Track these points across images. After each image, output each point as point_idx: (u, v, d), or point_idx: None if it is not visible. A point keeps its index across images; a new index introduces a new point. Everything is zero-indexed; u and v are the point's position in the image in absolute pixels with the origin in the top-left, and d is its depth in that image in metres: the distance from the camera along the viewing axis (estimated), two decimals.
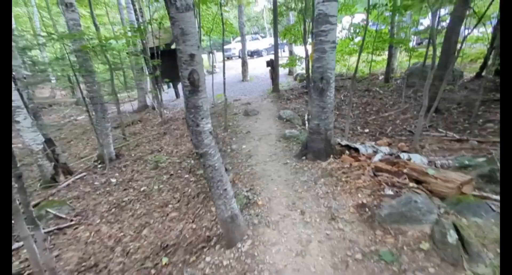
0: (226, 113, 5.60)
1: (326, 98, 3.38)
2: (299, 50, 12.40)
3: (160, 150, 5.10)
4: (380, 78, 9.07)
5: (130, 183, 3.89)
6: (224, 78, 5.72)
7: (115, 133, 6.48)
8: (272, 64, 8.87)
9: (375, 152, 3.71)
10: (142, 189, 3.70)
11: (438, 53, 5.18)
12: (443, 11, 7.56)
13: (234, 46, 19.64)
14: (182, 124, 6.70)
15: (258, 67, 14.44)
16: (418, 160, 3.22)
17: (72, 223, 3.10)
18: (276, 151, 4.06)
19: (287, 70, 12.51)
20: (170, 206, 3.21)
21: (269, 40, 19.67)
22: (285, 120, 5.55)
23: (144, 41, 7.33)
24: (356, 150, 3.54)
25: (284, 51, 17.81)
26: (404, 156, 3.38)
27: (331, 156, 3.51)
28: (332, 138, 3.65)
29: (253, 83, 11.13)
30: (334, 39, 3.12)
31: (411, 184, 2.60)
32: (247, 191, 3.00)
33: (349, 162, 3.28)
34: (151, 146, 5.45)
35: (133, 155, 5.12)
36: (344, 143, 3.70)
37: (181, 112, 7.98)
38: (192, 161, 4.27)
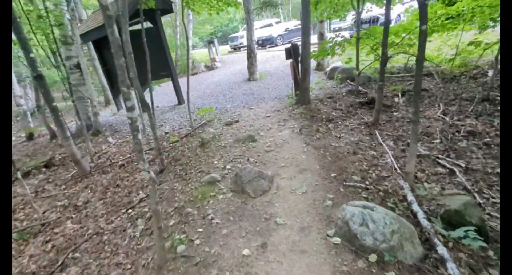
0: (158, 233, 1.92)
1: None
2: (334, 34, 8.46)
3: None
4: (490, 73, 5.09)
5: None
6: None
7: None
8: (297, 55, 5.11)
9: None
10: None
11: None
12: None
13: (242, 34, 15.63)
14: (106, 189, 3.15)
15: (272, 59, 10.66)
16: None
17: None
18: None
19: (313, 63, 8.63)
20: None
21: (286, 25, 15.72)
22: (368, 261, 1.46)
23: None
24: None
25: None
26: None
27: None
28: None
29: (264, 83, 7.40)
30: None
31: None
32: None
33: None
34: None
35: None
36: None
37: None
38: None
